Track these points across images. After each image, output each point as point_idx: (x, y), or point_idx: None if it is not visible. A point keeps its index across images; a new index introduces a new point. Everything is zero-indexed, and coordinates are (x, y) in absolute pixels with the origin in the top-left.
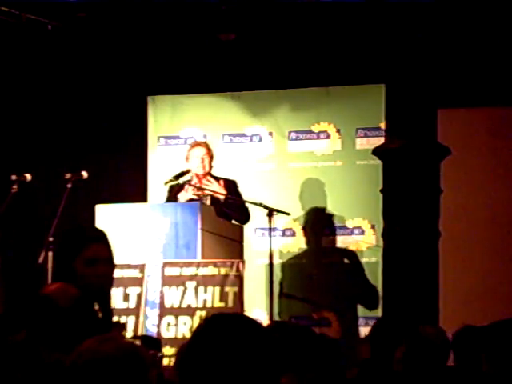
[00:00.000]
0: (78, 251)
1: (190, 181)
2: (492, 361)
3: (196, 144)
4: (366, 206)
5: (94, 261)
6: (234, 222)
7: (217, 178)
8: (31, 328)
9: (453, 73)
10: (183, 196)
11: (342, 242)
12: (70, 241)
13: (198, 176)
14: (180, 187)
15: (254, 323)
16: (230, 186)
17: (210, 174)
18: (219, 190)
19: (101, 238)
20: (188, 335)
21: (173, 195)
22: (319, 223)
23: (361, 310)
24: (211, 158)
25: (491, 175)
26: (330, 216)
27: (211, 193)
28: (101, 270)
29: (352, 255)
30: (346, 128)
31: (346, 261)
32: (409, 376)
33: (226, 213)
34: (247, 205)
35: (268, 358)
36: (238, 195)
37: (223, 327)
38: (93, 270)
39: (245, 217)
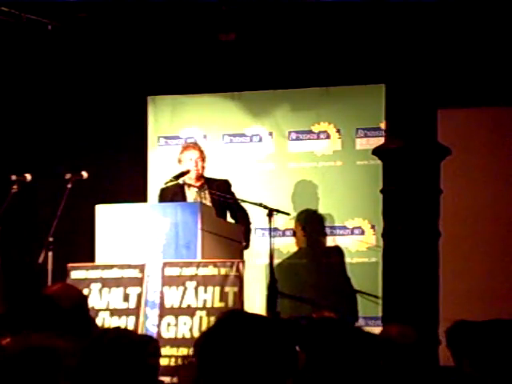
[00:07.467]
0: None
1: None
2: (474, 363)
3: (188, 146)
4: (365, 206)
5: None
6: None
7: (210, 180)
8: (32, 328)
9: (453, 73)
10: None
11: (342, 242)
12: None
13: (191, 179)
14: (175, 192)
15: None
16: (224, 187)
17: (202, 175)
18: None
19: None
20: (188, 335)
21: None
22: (319, 223)
23: (361, 310)
24: (203, 160)
25: (491, 175)
26: (331, 216)
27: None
28: None
29: (353, 255)
30: (346, 128)
31: (347, 261)
32: None
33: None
34: (248, 210)
35: (282, 359)
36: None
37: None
38: None
39: (245, 222)
